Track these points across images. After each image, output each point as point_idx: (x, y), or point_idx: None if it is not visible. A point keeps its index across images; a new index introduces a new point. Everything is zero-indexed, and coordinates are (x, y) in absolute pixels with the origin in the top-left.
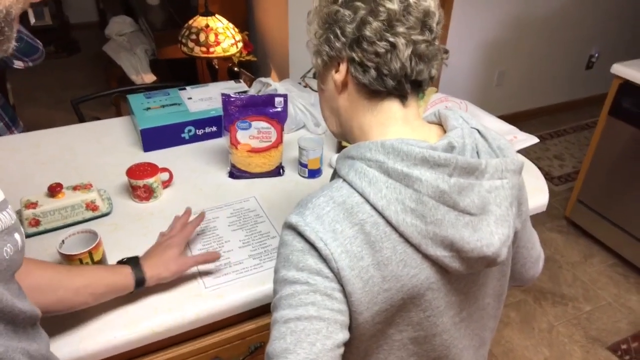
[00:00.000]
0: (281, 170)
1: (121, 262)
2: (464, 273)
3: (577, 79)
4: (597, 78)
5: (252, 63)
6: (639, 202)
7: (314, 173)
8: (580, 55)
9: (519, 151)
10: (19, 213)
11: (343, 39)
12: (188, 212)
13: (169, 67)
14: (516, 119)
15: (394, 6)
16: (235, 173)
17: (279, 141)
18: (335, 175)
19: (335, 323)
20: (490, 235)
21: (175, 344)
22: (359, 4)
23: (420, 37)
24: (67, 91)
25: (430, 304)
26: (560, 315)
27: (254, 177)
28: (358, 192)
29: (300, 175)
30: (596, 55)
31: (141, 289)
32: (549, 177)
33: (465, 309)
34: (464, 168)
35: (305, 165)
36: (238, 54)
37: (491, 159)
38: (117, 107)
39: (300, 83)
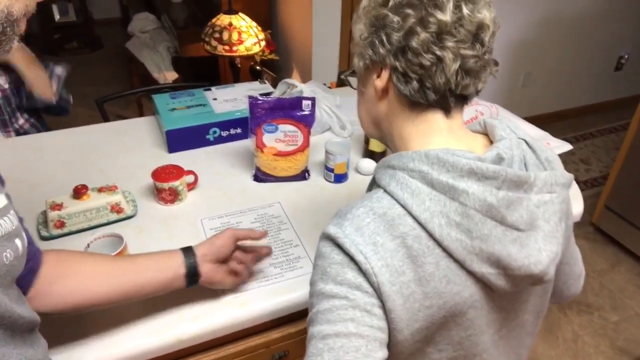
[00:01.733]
0: (307, 175)
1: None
2: (508, 291)
3: (606, 81)
4: (626, 80)
5: (275, 62)
6: None
7: (340, 178)
8: (609, 57)
9: None
10: (44, 214)
11: (388, 46)
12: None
13: (191, 65)
14: (541, 121)
15: (446, 17)
16: (260, 176)
17: (306, 145)
18: (374, 185)
19: (375, 341)
20: (538, 252)
21: (200, 352)
22: (409, 11)
23: (469, 52)
24: (90, 87)
25: (473, 323)
26: (586, 324)
27: (279, 181)
28: (400, 203)
29: (326, 180)
30: (626, 56)
31: (195, 286)
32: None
33: (505, 327)
34: (513, 181)
35: (331, 170)
36: (260, 53)
37: (540, 172)
38: (139, 107)
39: (342, 77)
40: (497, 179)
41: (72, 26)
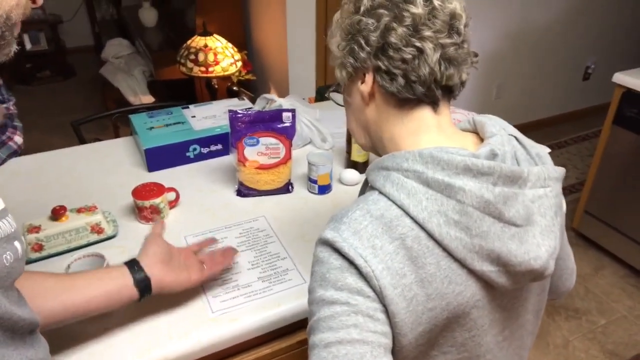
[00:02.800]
0: (290, 187)
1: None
2: (509, 289)
3: (575, 90)
4: (594, 89)
5: (251, 82)
6: None
7: (324, 189)
8: (576, 67)
9: None
10: None
11: (367, 49)
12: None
13: (167, 88)
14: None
15: (419, 10)
16: (243, 191)
17: (288, 157)
18: (366, 188)
19: (379, 347)
20: (537, 247)
21: None
22: (382, 11)
23: (448, 41)
24: (64, 115)
25: (476, 323)
26: (575, 329)
27: (262, 195)
28: (396, 204)
29: (310, 192)
30: (592, 66)
31: (148, 295)
32: None
33: (508, 327)
34: (508, 176)
35: (315, 181)
36: (237, 73)
37: (532, 167)
38: (115, 129)
39: (327, 96)
40: (493, 174)
41: (44, 55)
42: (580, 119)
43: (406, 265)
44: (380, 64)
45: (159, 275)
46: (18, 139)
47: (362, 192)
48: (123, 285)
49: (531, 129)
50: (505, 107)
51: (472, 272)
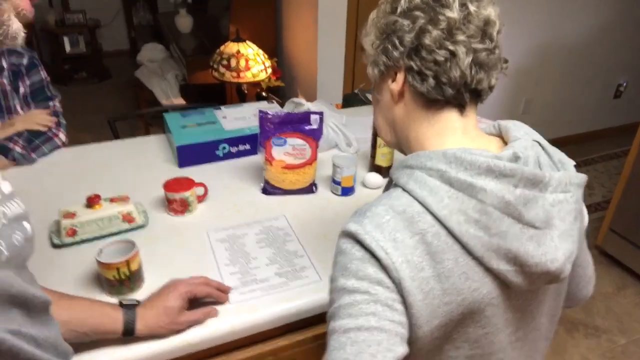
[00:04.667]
0: (314, 188)
1: (122, 305)
2: (525, 289)
3: (605, 108)
4: (625, 107)
5: (280, 89)
6: None
7: (347, 191)
8: (608, 85)
9: None
10: (57, 223)
11: (401, 48)
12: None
13: (199, 92)
14: None
15: (454, 15)
16: (269, 189)
17: (314, 158)
18: (390, 185)
19: (396, 336)
20: (554, 250)
21: (208, 357)
22: (418, 13)
23: (480, 46)
24: (97, 115)
25: (490, 321)
26: (594, 347)
27: (287, 194)
28: (419, 201)
29: (333, 193)
30: (624, 84)
31: (129, 337)
32: None
33: (522, 328)
34: (529, 179)
35: (338, 183)
36: (267, 80)
37: (554, 172)
38: (147, 129)
39: (357, 92)
40: (514, 176)
41: (81, 57)
42: (609, 137)
43: (425, 259)
44: (412, 64)
45: (146, 326)
46: (62, 136)
47: (387, 189)
48: (112, 331)
49: (557, 146)
50: (532, 122)
51: (489, 270)
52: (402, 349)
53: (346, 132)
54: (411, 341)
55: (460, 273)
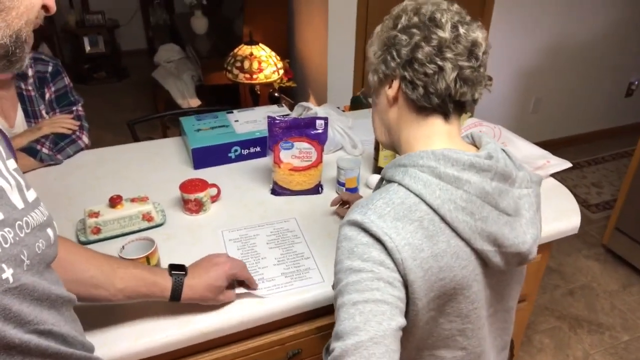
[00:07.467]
0: (320, 189)
1: (172, 267)
2: (502, 269)
3: (616, 107)
4: (637, 106)
5: (292, 89)
6: None
7: (351, 191)
8: (619, 83)
9: (553, 176)
10: (82, 222)
11: (398, 60)
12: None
13: (213, 92)
14: (553, 146)
15: (445, 35)
16: (277, 190)
17: (319, 161)
18: (381, 184)
19: (396, 308)
20: (524, 234)
21: (221, 346)
22: (415, 30)
23: (466, 63)
24: (117, 114)
25: (477, 296)
26: (597, 343)
27: (294, 194)
28: (414, 193)
29: (338, 194)
30: (636, 83)
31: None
32: (586, 205)
33: (494, 306)
34: (502, 174)
35: (342, 184)
36: (279, 81)
37: (518, 171)
38: (164, 129)
39: (359, 94)
40: (490, 171)
41: (101, 57)
42: (619, 136)
43: (424, 242)
44: (406, 74)
45: (191, 296)
46: (85, 138)
47: (378, 187)
48: (160, 297)
49: (567, 144)
50: (541, 121)
51: (474, 250)
52: (402, 320)
53: (352, 135)
54: (412, 313)
55: (452, 253)
